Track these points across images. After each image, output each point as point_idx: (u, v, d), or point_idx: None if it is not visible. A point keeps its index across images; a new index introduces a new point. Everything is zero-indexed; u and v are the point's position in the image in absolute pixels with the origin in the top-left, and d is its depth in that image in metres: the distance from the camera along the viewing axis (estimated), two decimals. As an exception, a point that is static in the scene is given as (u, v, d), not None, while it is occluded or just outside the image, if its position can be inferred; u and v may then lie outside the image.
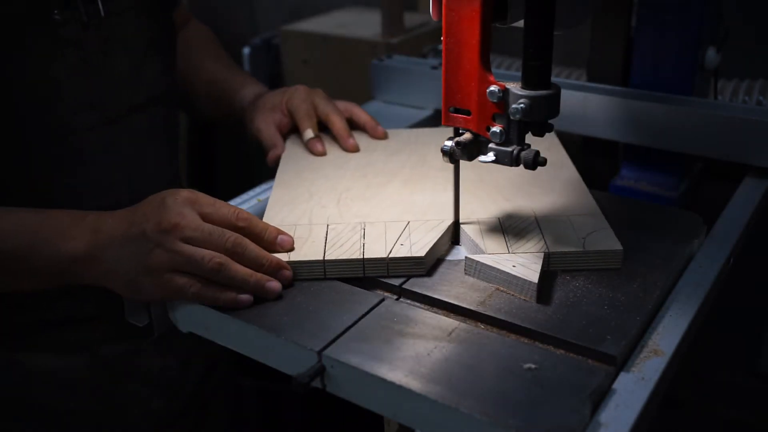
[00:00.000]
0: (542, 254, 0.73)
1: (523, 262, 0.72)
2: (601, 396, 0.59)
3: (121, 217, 0.74)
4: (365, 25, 1.72)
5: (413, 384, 0.60)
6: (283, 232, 0.76)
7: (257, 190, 0.95)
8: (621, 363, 0.63)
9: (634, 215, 0.83)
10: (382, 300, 0.71)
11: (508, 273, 0.71)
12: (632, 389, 0.60)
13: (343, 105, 1.05)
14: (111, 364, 0.97)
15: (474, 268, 0.73)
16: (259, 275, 0.71)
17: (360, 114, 1.04)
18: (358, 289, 0.74)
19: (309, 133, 0.98)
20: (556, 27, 0.65)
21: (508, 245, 0.75)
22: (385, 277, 0.74)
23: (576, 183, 0.88)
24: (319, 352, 0.64)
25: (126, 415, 1.00)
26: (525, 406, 0.57)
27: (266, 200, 0.92)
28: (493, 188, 0.87)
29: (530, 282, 0.69)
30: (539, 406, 0.57)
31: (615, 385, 0.61)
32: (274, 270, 0.72)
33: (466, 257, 0.74)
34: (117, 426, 0.99)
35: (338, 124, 1.00)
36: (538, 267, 0.71)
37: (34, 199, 0.85)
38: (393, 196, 0.86)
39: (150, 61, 0.96)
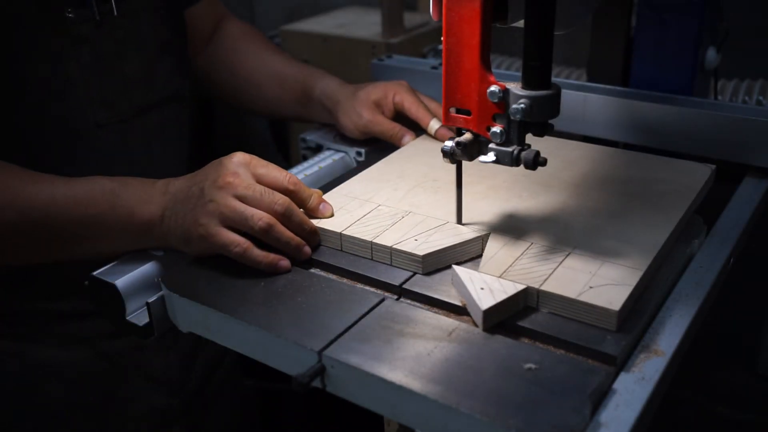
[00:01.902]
0: (523, 286, 0.67)
1: (496, 288, 0.67)
2: (601, 396, 0.59)
3: (185, 179, 0.79)
4: (365, 25, 1.72)
5: (413, 384, 0.60)
6: (325, 201, 0.81)
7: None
8: (621, 363, 0.63)
9: (634, 215, 0.83)
10: (383, 300, 0.71)
11: (469, 292, 0.68)
12: (632, 389, 0.60)
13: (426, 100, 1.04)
14: (113, 359, 0.97)
15: (453, 276, 0.72)
16: (298, 240, 0.76)
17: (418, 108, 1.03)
18: (359, 288, 0.74)
19: (435, 123, 0.99)
20: (556, 27, 0.65)
21: (509, 269, 0.70)
22: (391, 269, 0.75)
23: (664, 227, 0.76)
24: (319, 352, 0.64)
25: (128, 411, 1.00)
26: (525, 406, 0.57)
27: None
28: (582, 212, 0.80)
29: (479, 308, 0.65)
30: (539, 406, 0.57)
31: (615, 385, 0.61)
32: (310, 235, 0.77)
33: (452, 265, 0.74)
34: (119, 421, 1.00)
35: (418, 112, 1.01)
36: (503, 296, 0.66)
37: None
38: (464, 197, 0.79)
39: (162, 61, 0.97)
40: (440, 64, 0.71)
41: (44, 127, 0.87)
